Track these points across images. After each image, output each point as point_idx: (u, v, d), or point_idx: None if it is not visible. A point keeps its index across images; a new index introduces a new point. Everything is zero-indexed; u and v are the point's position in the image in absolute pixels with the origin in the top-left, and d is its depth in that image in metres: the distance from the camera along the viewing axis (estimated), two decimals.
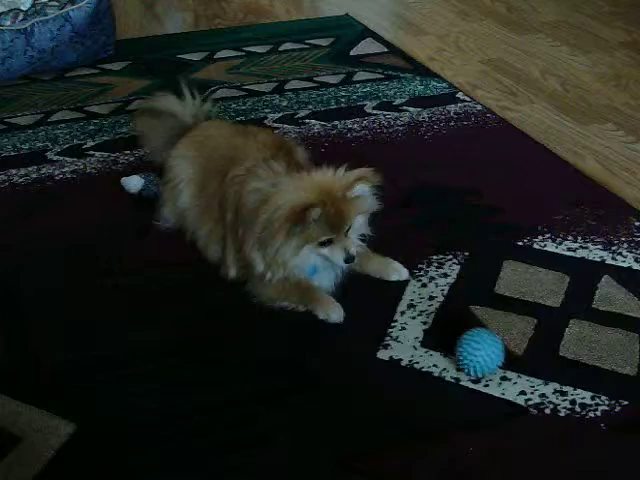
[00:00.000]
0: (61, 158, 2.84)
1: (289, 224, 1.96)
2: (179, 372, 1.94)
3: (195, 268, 2.24)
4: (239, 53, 3.74)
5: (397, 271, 2.21)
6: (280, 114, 3.13)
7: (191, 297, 2.16)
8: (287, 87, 3.37)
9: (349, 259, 2.02)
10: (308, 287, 2.10)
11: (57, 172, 2.74)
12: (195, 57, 3.69)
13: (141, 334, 2.04)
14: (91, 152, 2.88)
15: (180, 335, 2.05)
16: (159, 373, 1.94)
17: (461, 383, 1.89)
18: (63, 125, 3.08)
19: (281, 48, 3.79)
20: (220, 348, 2.02)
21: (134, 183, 2.55)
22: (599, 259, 2.29)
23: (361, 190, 2.03)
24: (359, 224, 2.08)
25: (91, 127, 3.07)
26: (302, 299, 2.10)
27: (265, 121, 3.06)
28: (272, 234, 1.98)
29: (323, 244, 2.02)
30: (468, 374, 1.90)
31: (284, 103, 3.22)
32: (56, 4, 3.40)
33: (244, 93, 3.33)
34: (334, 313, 2.06)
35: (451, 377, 1.90)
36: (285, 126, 3.03)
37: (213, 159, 2.30)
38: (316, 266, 2.08)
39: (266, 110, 3.16)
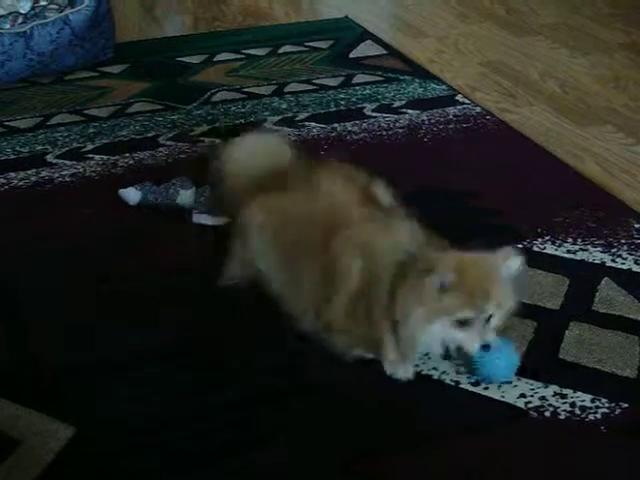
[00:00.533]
0: (60, 161, 2.84)
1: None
2: (178, 375, 1.94)
3: (194, 272, 2.24)
4: (238, 56, 3.74)
5: None
6: (280, 117, 3.12)
7: (190, 301, 2.16)
8: (286, 90, 3.37)
9: (485, 347, 1.83)
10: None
11: (56, 175, 2.74)
12: (194, 60, 3.69)
13: (140, 337, 2.04)
14: (90, 155, 2.88)
15: (179, 338, 2.04)
16: (158, 376, 1.93)
17: (461, 386, 1.89)
18: (62, 128, 3.08)
19: (280, 51, 3.79)
20: (220, 351, 2.01)
21: (132, 197, 2.52)
22: (599, 261, 2.29)
23: (512, 269, 1.85)
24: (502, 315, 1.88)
25: (90, 130, 3.06)
26: (375, 348, 1.95)
27: (265, 124, 3.06)
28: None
29: (461, 324, 1.81)
30: (474, 377, 1.91)
31: (283, 106, 3.22)
32: (55, 7, 3.40)
33: (243, 96, 3.33)
34: (402, 371, 1.93)
35: (451, 380, 1.90)
36: (285, 129, 3.03)
37: (301, 229, 2.02)
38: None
39: (265, 113, 3.16)
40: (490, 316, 1.81)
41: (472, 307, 1.78)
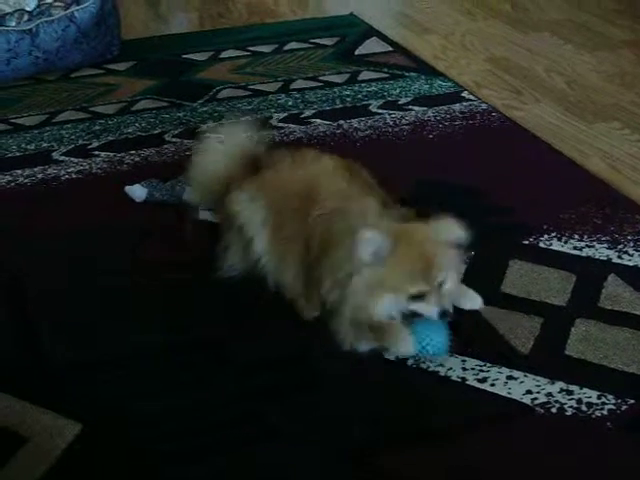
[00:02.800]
0: (67, 158, 2.84)
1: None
2: (181, 370, 1.94)
3: (199, 268, 2.23)
4: (244, 53, 3.74)
5: (472, 299, 2.07)
6: (285, 114, 3.13)
7: (193, 297, 2.16)
8: (292, 87, 3.38)
9: (444, 314, 1.88)
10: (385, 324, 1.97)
11: (63, 172, 2.75)
12: (200, 57, 3.70)
13: (143, 333, 2.04)
14: (96, 152, 2.88)
15: (182, 334, 2.05)
16: (161, 372, 1.94)
17: (467, 383, 1.88)
18: (68, 125, 3.08)
19: (286, 48, 3.79)
20: (222, 347, 2.01)
21: (138, 194, 2.53)
22: (605, 258, 2.29)
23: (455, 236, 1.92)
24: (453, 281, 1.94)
25: (96, 127, 3.07)
26: (381, 337, 1.96)
27: (271, 121, 3.06)
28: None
29: (415, 298, 1.88)
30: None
31: (289, 103, 3.22)
32: (61, 5, 3.40)
33: (249, 93, 3.33)
34: (402, 346, 1.92)
35: (457, 377, 1.90)
36: (290, 126, 3.03)
37: (286, 198, 2.10)
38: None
39: (271, 110, 3.16)
40: (441, 283, 1.88)
41: (425, 281, 1.86)
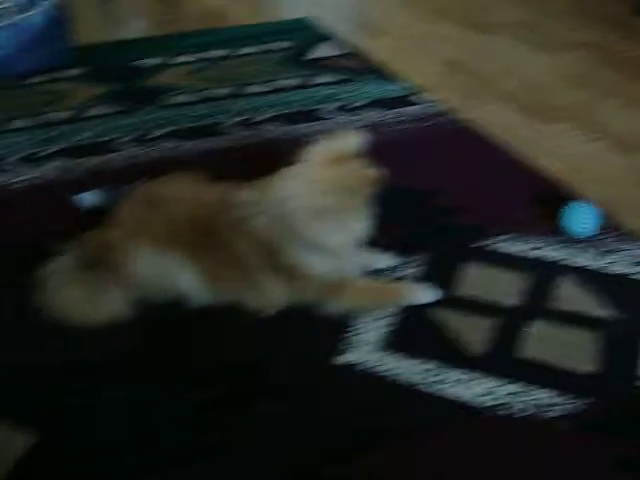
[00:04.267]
0: (18, 167, 2.81)
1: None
2: (145, 378, 1.93)
3: None
4: (197, 58, 3.72)
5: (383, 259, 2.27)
6: (239, 118, 3.11)
7: (157, 303, 2.13)
8: (246, 91, 3.36)
9: None
10: (380, 285, 2.19)
11: (13, 181, 2.72)
12: (153, 62, 3.67)
13: (106, 340, 2.01)
14: (48, 160, 2.85)
15: (145, 341, 2.03)
16: (124, 380, 1.92)
17: (416, 387, 1.88)
18: (19, 133, 3.05)
19: (240, 52, 3.77)
20: (186, 353, 2.01)
21: (90, 201, 2.50)
22: (559, 259, 2.29)
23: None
24: None
25: (48, 135, 3.04)
26: (382, 298, 2.14)
27: (222, 126, 3.04)
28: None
29: None
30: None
31: (242, 107, 3.21)
32: (11, 11, 3.37)
33: (202, 98, 3.31)
34: (426, 292, 2.13)
35: (407, 381, 1.90)
36: (243, 133, 3.01)
37: (186, 230, 2.08)
38: None
39: (225, 115, 3.15)
40: None
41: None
